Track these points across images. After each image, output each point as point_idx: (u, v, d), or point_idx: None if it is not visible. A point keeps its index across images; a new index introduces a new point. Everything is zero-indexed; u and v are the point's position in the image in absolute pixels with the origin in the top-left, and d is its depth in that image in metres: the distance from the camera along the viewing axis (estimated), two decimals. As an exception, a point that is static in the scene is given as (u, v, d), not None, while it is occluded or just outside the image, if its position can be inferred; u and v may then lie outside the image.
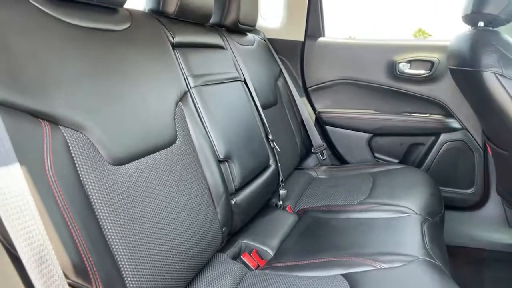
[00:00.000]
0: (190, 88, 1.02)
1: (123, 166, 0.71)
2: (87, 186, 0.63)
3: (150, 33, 0.94)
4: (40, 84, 0.60)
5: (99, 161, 0.66)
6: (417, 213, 1.13)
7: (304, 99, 1.82)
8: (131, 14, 0.89)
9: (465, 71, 1.21)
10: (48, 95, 0.61)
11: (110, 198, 0.67)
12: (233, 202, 1.03)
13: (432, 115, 1.65)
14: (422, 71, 1.62)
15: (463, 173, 1.61)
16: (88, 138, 0.65)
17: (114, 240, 0.65)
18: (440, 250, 0.99)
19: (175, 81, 0.95)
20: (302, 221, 1.22)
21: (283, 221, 1.21)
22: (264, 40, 1.72)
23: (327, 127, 1.80)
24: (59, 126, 0.62)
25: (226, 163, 1.05)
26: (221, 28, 1.40)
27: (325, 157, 1.77)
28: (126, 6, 0.86)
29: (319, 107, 1.82)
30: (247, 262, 1.01)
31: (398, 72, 1.65)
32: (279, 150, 1.34)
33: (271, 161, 1.32)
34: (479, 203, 1.61)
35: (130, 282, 0.66)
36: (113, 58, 0.77)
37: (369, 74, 1.71)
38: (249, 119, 1.25)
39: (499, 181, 1.45)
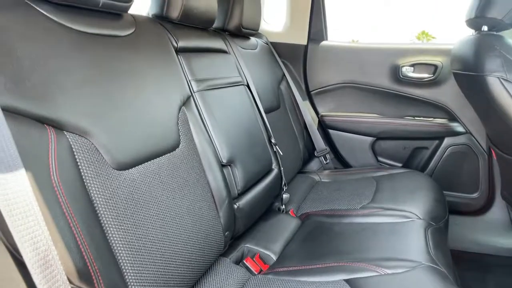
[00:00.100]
0: (193, 92, 1.02)
1: (127, 171, 0.71)
2: (91, 191, 0.64)
3: (154, 38, 0.94)
4: (45, 90, 0.61)
5: (103, 166, 0.67)
6: (421, 218, 1.13)
7: (307, 102, 1.82)
8: (135, 19, 0.90)
9: (469, 75, 1.21)
10: (53, 101, 0.61)
11: (114, 203, 0.67)
12: (235, 206, 1.03)
13: (435, 119, 1.64)
14: (425, 75, 1.62)
15: (467, 177, 1.60)
16: (92, 143, 0.66)
17: (117, 245, 0.66)
18: (444, 256, 0.98)
19: (179, 86, 0.95)
20: (305, 225, 1.22)
21: (286, 226, 1.21)
22: (267, 44, 1.73)
23: (330, 131, 1.80)
24: (64, 131, 0.62)
25: (229, 167, 1.06)
26: (224, 32, 1.41)
27: (328, 161, 1.77)
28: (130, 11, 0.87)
29: (322, 111, 1.82)
30: (250, 267, 1.01)
31: (401, 76, 1.64)
32: (281, 154, 1.34)
33: (274, 165, 1.32)
34: (484, 208, 1.59)
35: (133, 287, 0.66)
36: (117, 63, 0.77)
37: (372, 77, 1.71)
38: (252, 123, 1.25)
39: (504, 186, 1.44)
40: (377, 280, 0.84)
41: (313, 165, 1.79)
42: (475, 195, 1.60)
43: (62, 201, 0.58)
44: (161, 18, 1.07)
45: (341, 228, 1.14)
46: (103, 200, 0.65)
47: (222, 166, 1.02)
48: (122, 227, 0.67)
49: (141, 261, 0.69)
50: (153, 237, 0.73)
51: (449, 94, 1.58)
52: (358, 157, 1.76)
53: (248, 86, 1.34)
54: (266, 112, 1.39)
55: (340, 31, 1.88)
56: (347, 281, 0.85)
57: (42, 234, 0.50)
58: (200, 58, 1.12)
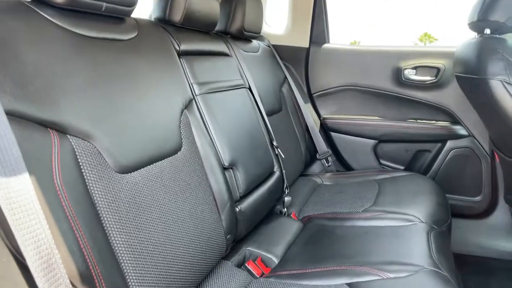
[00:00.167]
0: (196, 96, 1.03)
1: (129, 174, 0.72)
2: (93, 195, 0.64)
3: (156, 41, 0.95)
4: (48, 93, 0.61)
5: (106, 169, 0.67)
6: (423, 222, 1.12)
7: (309, 105, 1.82)
8: (138, 23, 0.91)
9: (472, 78, 1.21)
10: (57, 105, 0.62)
11: (116, 207, 0.67)
12: (237, 209, 1.03)
13: (438, 122, 1.64)
14: (428, 78, 1.61)
15: (470, 181, 1.60)
16: (95, 147, 0.66)
17: (120, 248, 0.66)
18: (447, 259, 0.97)
19: (181, 89, 0.96)
20: (307, 228, 1.22)
21: (287, 229, 1.21)
22: (269, 47, 1.73)
23: (332, 134, 1.80)
24: (67, 135, 0.63)
25: (230, 170, 1.06)
26: (226, 35, 1.41)
27: (330, 163, 1.77)
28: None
29: (324, 113, 1.82)
30: (252, 270, 1.01)
31: (403, 79, 1.64)
32: (283, 156, 1.34)
33: (276, 168, 1.32)
34: (487, 211, 1.59)
35: None
36: (120, 67, 0.78)
37: (374, 80, 1.71)
38: (253, 126, 1.25)
39: (507, 189, 1.43)
40: (380, 284, 0.84)
41: (315, 167, 1.79)
42: (478, 198, 1.59)
43: (65, 204, 0.58)
44: (164, 22, 1.07)
45: (343, 231, 1.14)
46: (106, 203, 0.66)
47: (224, 169, 1.02)
48: (124, 230, 0.67)
49: (143, 264, 0.69)
50: (155, 240, 0.73)
51: (451, 97, 1.58)
52: (360, 160, 1.76)
53: (250, 89, 1.34)
54: (268, 115, 1.39)
55: (338, 27, 1.87)
56: (349, 285, 0.85)
57: (45, 238, 0.50)
58: (202, 61, 1.12)
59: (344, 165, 1.82)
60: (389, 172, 1.55)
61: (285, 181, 1.34)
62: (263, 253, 1.08)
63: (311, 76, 1.82)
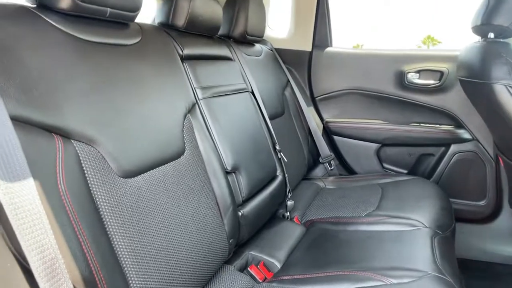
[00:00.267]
0: (199, 100, 1.03)
1: (132, 178, 0.72)
2: (97, 199, 0.64)
3: (159, 46, 0.95)
4: (52, 98, 0.62)
5: (109, 174, 0.67)
6: (427, 227, 1.12)
7: (312, 108, 1.82)
8: (141, 28, 0.91)
9: (475, 82, 1.20)
10: (61, 110, 0.62)
11: (119, 211, 0.67)
12: (240, 213, 1.03)
13: (442, 126, 1.63)
14: (431, 81, 1.61)
15: (474, 185, 1.59)
16: (99, 152, 0.66)
17: (123, 253, 0.66)
18: (451, 265, 0.97)
19: (184, 94, 0.96)
20: (310, 232, 1.22)
21: (290, 233, 1.21)
22: (272, 50, 1.73)
23: (335, 137, 1.79)
24: (71, 140, 0.63)
25: (233, 174, 1.06)
26: (229, 39, 1.42)
27: (332, 167, 1.76)
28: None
29: (326, 117, 1.81)
30: (254, 275, 1.00)
31: (406, 82, 1.64)
32: (286, 160, 1.34)
33: (278, 172, 1.32)
34: (491, 216, 1.57)
35: None
36: (123, 72, 0.78)
37: (377, 84, 1.70)
38: (256, 130, 1.25)
39: None
40: (383, 289, 0.83)
41: (318, 171, 1.78)
42: (482, 202, 1.58)
43: (69, 209, 0.59)
44: (167, 26, 1.08)
45: (346, 236, 1.14)
46: (109, 208, 0.66)
47: (227, 173, 1.02)
48: (128, 235, 0.68)
49: (146, 269, 0.69)
50: (158, 244, 0.73)
51: (455, 100, 1.57)
52: (363, 164, 1.75)
53: (252, 92, 1.35)
54: (270, 119, 1.39)
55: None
56: (352, 290, 0.84)
57: (49, 243, 0.51)
58: (205, 65, 1.12)
59: (347, 169, 1.82)
60: (392, 176, 1.55)
61: (288, 185, 1.34)
62: (266, 257, 1.07)
63: (313, 79, 1.82)
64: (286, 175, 1.34)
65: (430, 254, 0.97)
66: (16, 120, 0.55)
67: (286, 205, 1.32)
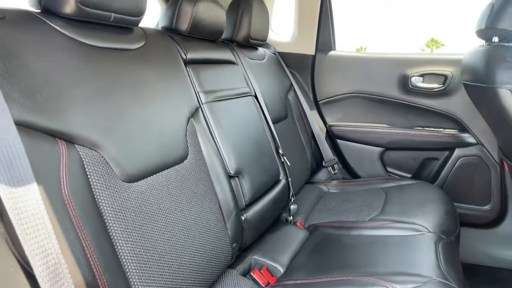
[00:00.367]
0: (202, 104, 1.03)
1: (136, 183, 0.72)
2: (100, 204, 0.64)
3: (163, 51, 0.96)
4: (56, 103, 0.62)
5: (113, 178, 0.68)
6: (431, 232, 1.11)
7: (315, 112, 1.82)
8: (145, 32, 0.92)
9: (480, 87, 1.20)
10: (65, 115, 0.63)
11: (123, 216, 0.67)
12: (243, 218, 1.03)
13: (446, 130, 1.62)
14: (435, 85, 1.60)
15: (479, 189, 1.57)
16: (102, 156, 0.67)
17: (126, 257, 0.66)
18: (455, 270, 0.96)
19: (187, 98, 0.96)
20: (313, 237, 1.21)
21: (293, 237, 1.20)
22: (275, 54, 1.73)
23: (338, 141, 1.79)
24: (75, 144, 0.63)
25: (236, 178, 1.06)
26: (232, 43, 1.42)
27: (336, 171, 1.76)
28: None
29: (330, 121, 1.81)
30: (257, 279, 1.00)
31: (410, 86, 1.63)
32: (289, 164, 1.34)
33: (282, 176, 1.31)
34: (496, 220, 1.56)
35: None
36: (127, 76, 0.78)
37: (381, 87, 1.70)
38: (259, 134, 1.25)
39: None
40: (387, 295, 0.83)
41: (321, 175, 1.78)
42: (487, 207, 1.57)
43: (72, 214, 0.59)
44: (171, 31, 1.08)
45: (350, 240, 1.13)
46: (112, 212, 0.66)
47: (230, 177, 1.02)
48: (131, 240, 0.68)
49: (149, 273, 0.69)
50: (161, 249, 0.73)
51: (459, 104, 1.56)
52: (366, 168, 1.75)
53: (256, 96, 1.35)
54: (274, 122, 1.39)
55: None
56: (355, 296, 0.83)
57: (52, 248, 0.51)
58: (208, 69, 1.13)
59: (350, 173, 1.81)
60: (396, 180, 1.54)
61: (291, 189, 1.34)
62: (269, 262, 1.07)
63: (317, 83, 1.82)
64: (289, 179, 1.33)
65: (435, 260, 0.96)
66: (21, 125, 0.55)
67: (289, 209, 1.31)
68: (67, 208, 0.58)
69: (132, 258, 0.67)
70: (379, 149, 1.71)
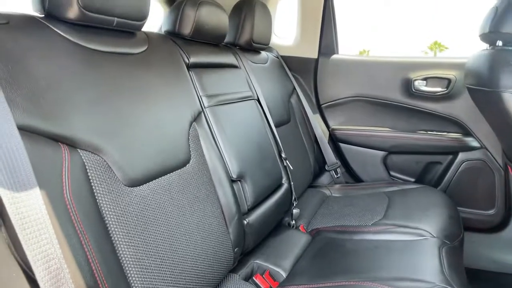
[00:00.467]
0: (204, 108, 1.03)
1: (138, 187, 0.72)
2: (102, 208, 0.64)
3: (166, 55, 0.96)
4: (59, 108, 0.62)
5: (115, 183, 0.68)
6: (434, 236, 1.10)
7: (318, 116, 1.82)
8: (148, 36, 0.92)
9: (484, 91, 1.19)
10: (68, 119, 0.63)
11: (125, 220, 0.67)
12: (245, 222, 1.03)
13: (449, 133, 1.61)
14: (438, 89, 1.60)
15: (483, 194, 1.56)
16: (104, 161, 0.67)
17: (128, 262, 0.66)
18: (459, 276, 0.95)
19: (190, 102, 0.96)
20: (316, 241, 1.20)
21: (296, 241, 1.20)
22: (278, 58, 1.74)
23: (341, 145, 1.78)
24: (77, 149, 0.63)
25: (239, 182, 1.05)
26: (235, 47, 1.42)
27: (339, 175, 1.75)
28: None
29: (332, 124, 1.81)
30: (259, 284, 0.99)
31: (413, 90, 1.63)
32: (292, 168, 1.34)
33: (284, 180, 1.31)
34: (501, 225, 1.55)
35: None
36: (130, 81, 0.79)
37: (384, 91, 1.69)
38: (262, 138, 1.25)
39: None
40: (390, 301, 0.82)
41: (324, 179, 1.77)
42: (491, 211, 1.56)
43: (75, 219, 0.59)
44: (174, 35, 1.09)
45: (353, 245, 1.12)
46: (114, 217, 0.66)
47: (232, 181, 1.02)
48: (132, 244, 0.67)
49: (151, 278, 0.69)
50: (163, 254, 0.73)
51: (463, 108, 1.56)
52: (369, 172, 1.74)
53: (258, 100, 1.35)
54: (276, 126, 1.39)
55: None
56: (358, 301, 0.83)
57: (54, 253, 0.51)
58: (211, 73, 1.13)
59: (353, 177, 1.80)
60: (399, 184, 1.53)
61: (294, 193, 1.33)
62: (271, 266, 1.06)
63: (320, 86, 1.81)
64: (292, 183, 1.33)
65: (438, 265, 0.95)
66: (23, 130, 0.56)
67: (292, 213, 1.31)
68: (69, 213, 0.58)
69: (134, 262, 0.67)
70: (382, 153, 1.70)
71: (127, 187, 0.69)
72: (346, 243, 1.14)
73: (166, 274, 0.73)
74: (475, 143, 1.56)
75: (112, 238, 0.65)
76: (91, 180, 0.64)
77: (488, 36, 1.20)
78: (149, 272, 0.69)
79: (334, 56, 1.80)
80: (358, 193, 1.52)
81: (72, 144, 0.62)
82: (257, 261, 1.08)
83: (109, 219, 0.65)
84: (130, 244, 0.67)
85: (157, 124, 0.81)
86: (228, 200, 0.96)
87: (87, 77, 0.69)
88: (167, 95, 0.88)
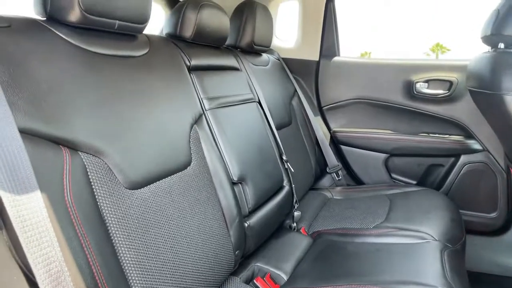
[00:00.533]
0: (205, 110, 1.03)
1: (139, 190, 0.72)
2: (103, 211, 0.64)
3: (167, 57, 0.96)
4: (61, 111, 0.62)
5: (116, 185, 0.68)
6: (436, 240, 1.09)
7: (319, 118, 1.82)
8: (149, 39, 0.92)
9: (485, 93, 1.19)
10: (69, 122, 0.63)
11: (126, 223, 0.67)
12: (246, 224, 1.03)
13: (451, 136, 1.61)
14: (440, 91, 1.59)
15: (485, 196, 1.55)
16: (105, 163, 0.67)
17: (128, 265, 0.66)
18: (461, 279, 0.94)
19: (191, 105, 0.96)
20: (317, 244, 1.20)
21: (297, 244, 1.19)
22: (279, 60, 1.74)
23: (342, 147, 1.78)
24: (78, 151, 0.63)
25: (240, 185, 1.05)
26: (236, 49, 1.42)
27: (340, 177, 1.75)
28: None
29: (334, 127, 1.81)
30: (260, 287, 0.99)
31: (415, 92, 1.62)
32: (293, 171, 1.34)
33: (285, 182, 1.31)
34: (503, 228, 1.54)
35: None
36: (131, 83, 0.79)
37: (385, 93, 1.69)
38: (263, 140, 1.25)
39: None
40: (392, 305, 0.81)
41: (325, 181, 1.77)
42: (493, 214, 1.55)
43: (75, 221, 0.59)
44: (175, 37, 1.09)
45: (354, 248, 1.12)
46: (115, 220, 0.66)
47: (233, 184, 1.02)
48: (133, 247, 0.67)
49: (152, 281, 0.69)
50: (164, 256, 0.73)
51: (465, 110, 1.55)
52: (371, 174, 1.73)
53: (259, 102, 1.35)
54: (277, 129, 1.39)
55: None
56: (360, 305, 0.82)
57: (55, 255, 0.51)
58: (212, 76, 1.13)
59: (354, 179, 1.80)
60: (401, 187, 1.53)
61: (295, 195, 1.33)
62: (272, 269, 1.06)
63: (321, 89, 1.81)
64: (293, 185, 1.33)
65: (440, 268, 0.95)
66: (25, 133, 0.56)
67: (293, 216, 1.31)
68: (70, 216, 0.58)
69: (135, 265, 0.67)
70: (383, 155, 1.70)
71: (128, 190, 0.69)
72: (348, 246, 1.14)
73: (167, 276, 0.72)
74: (477, 146, 1.55)
75: (113, 240, 0.65)
76: (92, 183, 0.64)
77: (490, 39, 1.20)
78: (149, 274, 0.69)
79: (336, 58, 1.80)
80: (360, 196, 1.52)
81: (73, 146, 0.62)
82: (258, 264, 1.08)
83: (110, 221, 0.65)
84: (130, 246, 0.67)
85: (158, 127, 0.81)
86: (229, 203, 0.96)
87: (88, 80, 0.69)
88: (168, 98, 0.88)
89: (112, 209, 0.66)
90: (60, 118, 0.62)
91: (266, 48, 1.54)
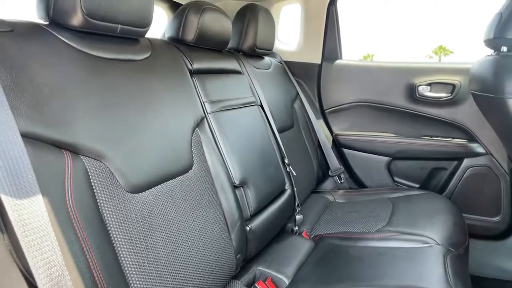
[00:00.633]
0: (207, 114, 1.03)
1: (140, 193, 0.72)
2: (105, 215, 0.64)
3: (169, 61, 0.96)
4: (63, 115, 0.63)
5: (117, 189, 0.68)
6: (439, 244, 1.09)
7: (321, 121, 1.81)
8: (151, 43, 0.93)
9: (488, 97, 1.18)
10: (71, 126, 0.63)
11: (127, 227, 0.67)
12: (248, 228, 1.02)
13: (454, 139, 1.60)
14: (443, 94, 1.59)
15: (488, 200, 1.54)
16: (107, 167, 0.67)
17: (129, 269, 0.65)
18: (464, 284, 0.94)
19: (193, 108, 0.97)
20: (319, 248, 1.19)
21: (299, 248, 1.19)
22: (281, 63, 1.74)
23: (345, 150, 1.77)
24: (80, 155, 0.63)
25: (241, 188, 1.05)
26: (238, 52, 1.43)
27: (342, 180, 1.74)
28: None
29: (336, 130, 1.80)
30: (262, 291, 0.99)
31: (417, 95, 1.62)
32: (295, 174, 1.33)
33: (287, 186, 1.30)
34: (506, 232, 1.53)
35: None
36: (133, 87, 0.79)
37: (388, 96, 1.69)
38: (265, 143, 1.25)
39: None
40: (394, 310, 0.81)
41: (327, 184, 1.76)
42: (496, 218, 1.54)
43: (77, 225, 0.59)
44: (177, 41, 1.09)
45: (356, 252, 1.11)
46: (117, 223, 0.66)
47: (235, 187, 1.02)
48: (134, 251, 0.67)
49: (153, 285, 0.69)
50: (165, 260, 0.73)
51: (468, 114, 1.55)
52: (373, 177, 1.73)
53: (261, 106, 1.35)
54: (279, 132, 1.38)
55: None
56: (362, 310, 0.82)
57: (56, 260, 0.51)
58: (214, 79, 1.13)
59: (357, 182, 1.79)
60: (403, 190, 1.52)
61: (297, 198, 1.33)
62: (274, 273, 1.06)
63: (323, 92, 1.81)
64: (295, 188, 1.32)
65: (443, 273, 0.94)
66: (27, 137, 0.56)
67: (295, 219, 1.30)
68: (72, 220, 0.58)
69: (136, 269, 0.67)
70: (386, 158, 1.69)
71: (129, 193, 0.70)
72: (350, 249, 1.13)
73: (168, 280, 0.72)
74: (480, 149, 1.55)
75: (114, 244, 0.64)
76: (93, 187, 0.64)
77: (493, 42, 1.19)
78: (151, 278, 0.69)
79: (338, 62, 1.80)
80: (362, 199, 1.51)
81: (75, 150, 0.63)
82: (260, 268, 1.07)
83: (111, 225, 0.65)
84: (132, 250, 0.67)
85: (160, 130, 0.81)
86: (231, 206, 0.96)
87: (90, 84, 0.70)
88: (170, 101, 0.88)
89: (114, 213, 0.66)
90: (62, 122, 0.62)
91: (268, 51, 1.54)
